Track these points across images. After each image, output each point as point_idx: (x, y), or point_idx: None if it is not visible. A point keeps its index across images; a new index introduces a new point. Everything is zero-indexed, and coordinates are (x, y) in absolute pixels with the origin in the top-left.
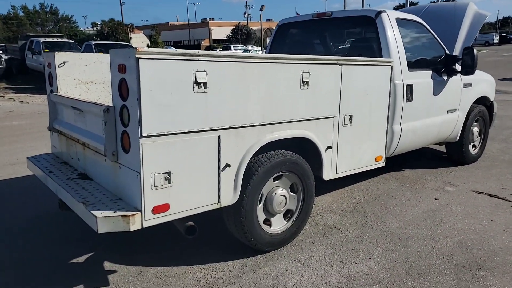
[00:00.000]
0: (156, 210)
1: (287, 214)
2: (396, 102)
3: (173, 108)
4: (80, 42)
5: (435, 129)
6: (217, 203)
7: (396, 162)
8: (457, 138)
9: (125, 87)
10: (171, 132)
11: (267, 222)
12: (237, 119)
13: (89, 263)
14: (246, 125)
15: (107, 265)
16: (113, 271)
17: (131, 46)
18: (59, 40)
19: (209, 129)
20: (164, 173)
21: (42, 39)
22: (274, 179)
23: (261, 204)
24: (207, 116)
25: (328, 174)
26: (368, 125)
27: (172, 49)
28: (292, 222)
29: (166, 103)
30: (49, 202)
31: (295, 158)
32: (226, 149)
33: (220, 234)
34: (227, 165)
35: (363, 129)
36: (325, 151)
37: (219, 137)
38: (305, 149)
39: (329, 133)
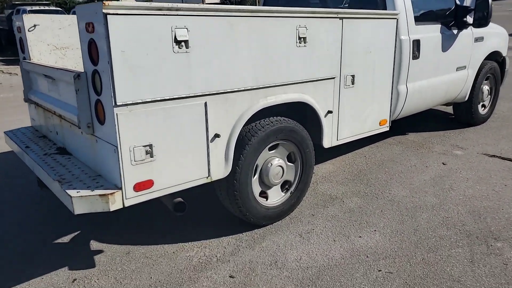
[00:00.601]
0: (139, 187)
1: (285, 185)
2: (402, 60)
3: (151, 72)
4: (70, 11)
5: (443, 88)
6: (207, 177)
7: (400, 126)
8: (466, 98)
9: (95, 49)
10: (150, 100)
11: (263, 194)
12: (225, 83)
13: (74, 243)
14: (236, 89)
15: (94, 245)
16: (100, 251)
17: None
18: (46, 8)
19: (193, 95)
20: (145, 146)
21: (28, 8)
22: (270, 149)
23: (256, 175)
24: (190, 80)
25: (328, 141)
26: (372, 86)
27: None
28: (290, 193)
29: (142, 66)
30: (34, 179)
31: (292, 125)
32: (214, 117)
33: (213, 208)
34: (217, 135)
35: (366, 91)
36: (325, 116)
37: (205, 104)
38: (303, 114)
39: (329, 96)
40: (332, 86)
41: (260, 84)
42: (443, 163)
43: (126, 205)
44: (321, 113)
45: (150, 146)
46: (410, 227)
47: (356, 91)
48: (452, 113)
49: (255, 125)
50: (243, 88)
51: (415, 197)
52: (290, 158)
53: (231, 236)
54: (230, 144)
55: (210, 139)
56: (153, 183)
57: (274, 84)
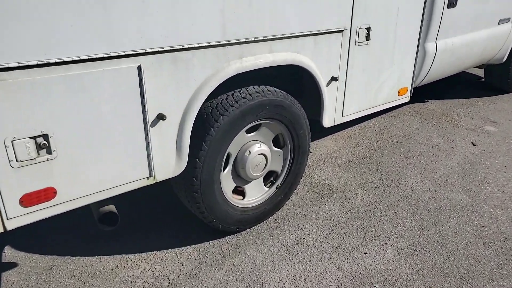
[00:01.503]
0: (29, 200)
1: (269, 177)
2: (434, 7)
3: (38, 16)
4: None
5: (480, 46)
6: (148, 178)
7: (418, 91)
8: (504, 59)
9: None
10: (39, 63)
11: (239, 188)
12: (173, 36)
13: None
14: (192, 45)
15: (6, 256)
16: (13, 266)
17: None
18: None
19: (118, 54)
20: (34, 137)
21: None
22: (248, 131)
23: (228, 168)
24: (111, 31)
25: (330, 118)
26: (393, 43)
27: None
28: (277, 188)
29: (19, 7)
30: None
31: (280, 99)
32: (155, 89)
33: (173, 206)
34: (161, 117)
35: (385, 50)
36: (328, 84)
37: (139, 68)
38: (297, 83)
39: (335, 56)
40: (339, 43)
41: (231, 37)
42: (472, 143)
43: (10, 227)
44: (322, 80)
45: (45, 136)
46: (434, 241)
47: (372, 49)
48: (482, 76)
49: (225, 100)
50: (205, 44)
51: (438, 193)
52: (277, 142)
53: (193, 246)
54: (184, 128)
55: (150, 122)
56: (55, 192)
57: (253, 38)
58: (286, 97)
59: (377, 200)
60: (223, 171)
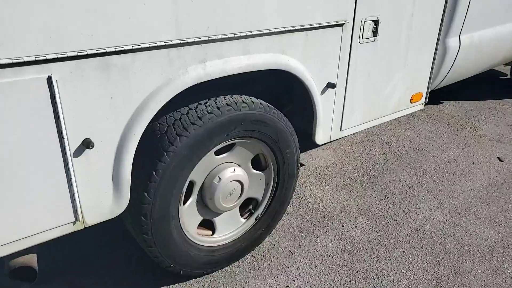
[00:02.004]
0: None
1: (247, 204)
2: None
3: None
4: None
5: (510, 40)
6: (74, 223)
7: (431, 91)
8: None
9: None
10: None
11: (207, 223)
12: (101, 33)
13: None
14: (131, 46)
15: None
16: None
17: None
18: None
19: (11, 61)
20: None
21: None
22: (218, 152)
23: (192, 199)
24: (4, 28)
25: (325, 133)
26: (406, 39)
27: None
28: (256, 219)
29: None
30: None
31: (260, 112)
32: (76, 107)
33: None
34: (87, 144)
35: (396, 48)
36: (323, 92)
37: (50, 80)
38: (285, 83)
39: (332, 58)
40: (338, 40)
41: (188, 35)
42: (498, 159)
43: None
44: (315, 88)
45: None
46: None
47: (380, 48)
48: (507, 73)
49: (185, 115)
50: (148, 44)
51: (458, 226)
52: (257, 162)
53: None
54: (122, 156)
55: (71, 152)
56: None
57: (220, 36)
58: (268, 110)
59: (381, 234)
60: (184, 204)
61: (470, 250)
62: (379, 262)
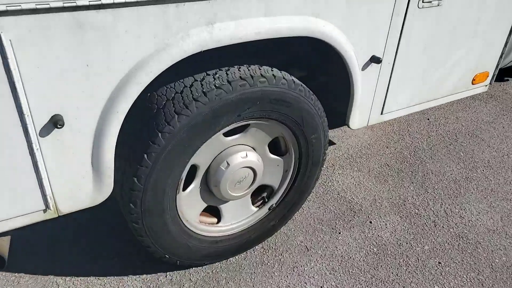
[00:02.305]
0: None
1: (261, 191)
2: None
3: None
4: None
5: None
6: (44, 210)
7: None
8: None
9: None
10: None
11: (212, 209)
12: None
13: None
14: (113, 0)
15: None
16: None
17: None
18: None
19: None
20: None
21: None
22: (227, 134)
23: (195, 184)
24: None
25: (362, 116)
26: (480, 4)
27: None
28: (270, 209)
29: None
30: None
31: (282, 90)
32: (39, 76)
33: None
34: (55, 122)
35: (466, 16)
36: (364, 68)
37: None
38: (314, 58)
39: (382, 25)
40: (391, 2)
41: None
42: None
43: None
44: (356, 62)
45: None
46: None
47: (444, 14)
48: None
49: (188, 88)
50: None
51: None
52: (277, 147)
53: (143, 278)
54: (103, 136)
55: (36, 132)
56: None
57: None
58: (293, 86)
59: (415, 237)
60: (184, 191)
61: None
62: (409, 272)
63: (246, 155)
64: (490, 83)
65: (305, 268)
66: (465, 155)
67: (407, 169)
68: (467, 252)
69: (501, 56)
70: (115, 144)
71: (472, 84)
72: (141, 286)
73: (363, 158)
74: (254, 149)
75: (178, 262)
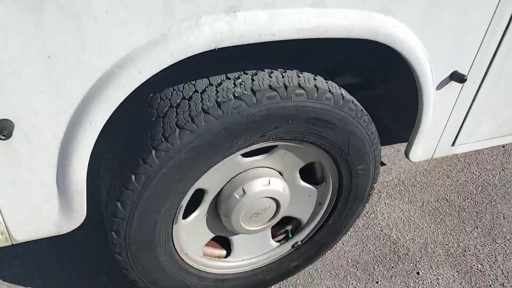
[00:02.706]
0: None
1: (284, 223)
2: None
3: None
4: None
5: None
6: None
7: None
8: None
9: None
10: None
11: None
12: None
13: None
14: None
15: None
16: None
17: None
18: None
19: None
20: None
21: None
22: (247, 154)
23: (200, 212)
24: None
25: (427, 148)
26: None
27: None
28: (294, 247)
29: None
30: None
31: (324, 107)
32: None
33: None
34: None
35: None
36: (440, 86)
37: None
38: (371, 66)
39: (474, 31)
40: (490, 10)
41: None
42: None
43: None
44: (430, 78)
45: None
46: None
47: None
48: None
49: (194, 95)
50: None
51: None
52: (310, 171)
53: None
54: (71, 153)
55: None
56: None
57: None
58: (341, 103)
59: None
60: (186, 219)
61: None
62: None
63: (269, 182)
64: None
65: None
66: None
67: (471, 208)
68: None
69: None
70: (87, 162)
71: None
72: None
73: (417, 187)
74: (281, 174)
75: None
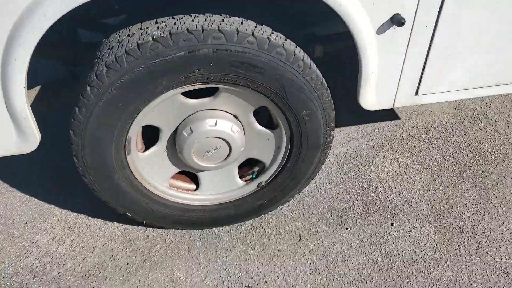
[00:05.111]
0: None
1: (251, 165)
2: None
3: None
4: None
5: None
6: None
7: None
8: None
9: None
10: None
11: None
12: None
13: None
14: None
15: None
16: None
17: None
18: None
19: None
20: None
21: None
22: (194, 95)
23: (158, 148)
24: None
25: (383, 96)
26: None
27: None
28: (258, 187)
29: None
30: None
31: (244, 50)
32: None
33: None
34: None
35: None
36: (382, 31)
37: None
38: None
39: None
40: None
41: None
42: None
43: None
44: (361, 20)
45: None
46: None
47: None
48: None
49: (125, 39)
50: None
51: None
52: (270, 117)
53: (121, 229)
54: (8, 83)
55: None
56: None
57: None
58: (266, 48)
59: (441, 256)
60: (146, 151)
61: None
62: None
63: (216, 123)
64: None
65: (286, 260)
66: None
67: (478, 167)
68: None
69: None
70: (23, 93)
71: None
72: (119, 235)
73: (425, 142)
74: (236, 117)
75: (144, 222)
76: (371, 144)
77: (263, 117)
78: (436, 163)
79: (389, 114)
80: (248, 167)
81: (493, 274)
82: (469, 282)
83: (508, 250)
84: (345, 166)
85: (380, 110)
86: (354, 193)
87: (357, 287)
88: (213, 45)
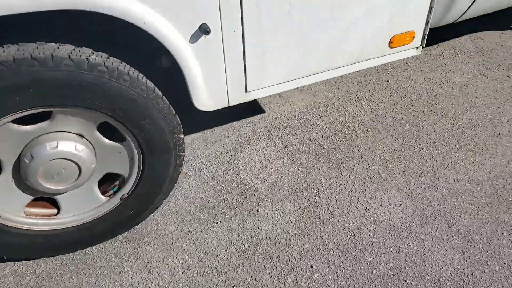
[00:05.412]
0: None
1: (115, 180)
2: None
3: None
4: None
5: None
6: None
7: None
8: None
9: None
10: None
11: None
12: None
13: None
14: None
15: None
16: None
17: None
18: None
19: None
20: None
21: None
22: (25, 120)
23: (3, 177)
24: None
25: (217, 96)
26: None
27: None
28: (121, 199)
29: None
30: None
31: (62, 73)
32: None
33: None
34: None
35: None
36: (194, 40)
37: None
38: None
39: None
40: None
41: None
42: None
43: None
44: (169, 32)
45: None
46: None
47: None
48: None
49: None
50: None
51: (414, 238)
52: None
53: None
54: None
55: None
56: None
57: None
58: (86, 67)
59: (299, 231)
60: None
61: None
62: (270, 277)
63: (57, 145)
64: (422, 45)
65: (159, 265)
66: (410, 127)
67: (330, 145)
68: (350, 255)
69: (430, 11)
70: None
71: (391, 47)
72: None
73: (287, 130)
74: (82, 135)
75: (4, 257)
76: (239, 139)
77: (114, 131)
78: (295, 148)
79: (255, 108)
80: (111, 182)
81: (343, 238)
82: (323, 250)
83: (355, 215)
84: (216, 164)
85: (238, 106)
86: (224, 188)
87: (225, 276)
88: (29, 72)
